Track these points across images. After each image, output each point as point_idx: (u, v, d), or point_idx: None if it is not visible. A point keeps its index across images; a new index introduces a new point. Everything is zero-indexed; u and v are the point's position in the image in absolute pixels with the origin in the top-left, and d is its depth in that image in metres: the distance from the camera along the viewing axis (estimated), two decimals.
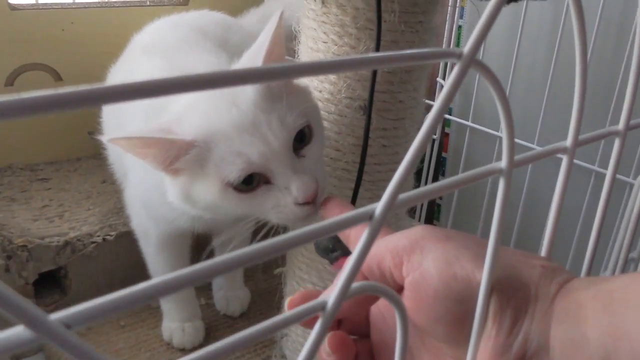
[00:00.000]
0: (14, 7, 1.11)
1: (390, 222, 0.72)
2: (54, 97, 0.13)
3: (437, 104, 0.20)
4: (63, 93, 0.12)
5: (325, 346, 0.36)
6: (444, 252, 0.33)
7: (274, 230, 0.58)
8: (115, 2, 1.27)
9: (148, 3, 1.29)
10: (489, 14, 0.20)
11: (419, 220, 1.34)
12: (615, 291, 0.28)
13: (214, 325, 0.99)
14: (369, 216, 0.22)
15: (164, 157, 0.53)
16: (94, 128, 0.93)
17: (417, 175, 1.33)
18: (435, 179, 1.40)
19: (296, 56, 0.78)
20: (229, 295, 1.00)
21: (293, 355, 0.85)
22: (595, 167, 1.05)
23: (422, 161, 1.30)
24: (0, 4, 1.08)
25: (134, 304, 0.17)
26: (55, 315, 0.16)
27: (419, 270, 0.33)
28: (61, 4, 1.19)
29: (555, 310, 0.30)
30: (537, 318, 0.30)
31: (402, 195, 0.22)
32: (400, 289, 0.35)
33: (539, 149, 0.95)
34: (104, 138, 0.52)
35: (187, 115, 0.55)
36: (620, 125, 0.33)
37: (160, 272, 0.87)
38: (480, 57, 0.21)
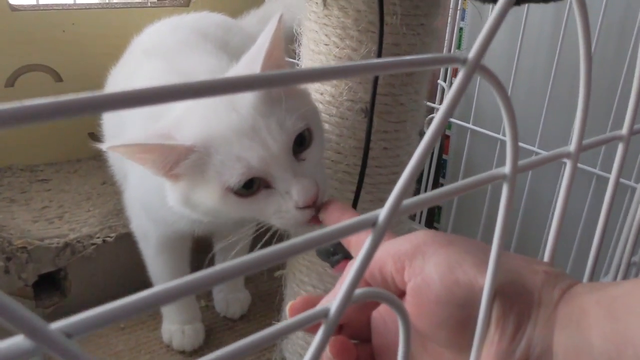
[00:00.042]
0: (14, 8, 1.11)
1: (391, 224, 0.72)
2: (55, 105, 0.12)
3: (441, 110, 0.20)
4: (64, 100, 0.12)
5: (326, 351, 0.36)
6: (446, 257, 0.33)
7: (276, 235, 0.58)
8: (116, 3, 1.27)
9: (149, 4, 1.29)
10: (494, 19, 0.20)
11: (420, 223, 1.34)
12: (619, 297, 0.28)
13: (214, 328, 0.99)
14: (372, 223, 0.22)
15: (163, 162, 0.53)
16: (94, 129, 0.93)
17: (417, 178, 1.33)
18: (435, 182, 1.40)
19: (297, 58, 0.78)
20: (229, 297, 1.00)
21: (293, 358, 0.85)
22: (597, 171, 1.05)
23: None
24: (1, 5, 1.08)
25: (135, 312, 0.17)
26: (56, 325, 0.15)
27: (421, 276, 0.33)
28: (62, 5, 1.19)
29: (558, 316, 0.30)
30: (540, 324, 0.30)
31: (406, 201, 0.22)
32: (402, 293, 0.35)
33: (541, 152, 0.94)
34: (103, 146, 0.52)
35: (186, 120, 0.55)
36: (624, 130, 0.33)
37: (160, 274, 0.87)
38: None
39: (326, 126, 0.69)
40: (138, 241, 0.87)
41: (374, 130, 0.65)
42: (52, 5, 1.18)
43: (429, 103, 1.20)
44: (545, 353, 0.29)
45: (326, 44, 0.67)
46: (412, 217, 1.33)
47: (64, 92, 1.04)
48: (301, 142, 0.55)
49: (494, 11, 0.20)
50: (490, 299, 0.29)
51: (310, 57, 0.70)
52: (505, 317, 0.30)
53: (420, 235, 0.35)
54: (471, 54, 0.20)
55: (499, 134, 1.16)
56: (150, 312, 0.97)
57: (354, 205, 0.65)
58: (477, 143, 1.25)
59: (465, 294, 0.31)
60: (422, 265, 0.33)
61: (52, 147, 1.21)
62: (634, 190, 0.98)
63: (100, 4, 1.27)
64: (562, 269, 0.33)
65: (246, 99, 0.53)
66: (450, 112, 0.20)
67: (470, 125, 1.21)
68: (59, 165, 1.21)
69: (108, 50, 0.96)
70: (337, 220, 0.50)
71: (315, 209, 0.53)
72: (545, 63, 1.15)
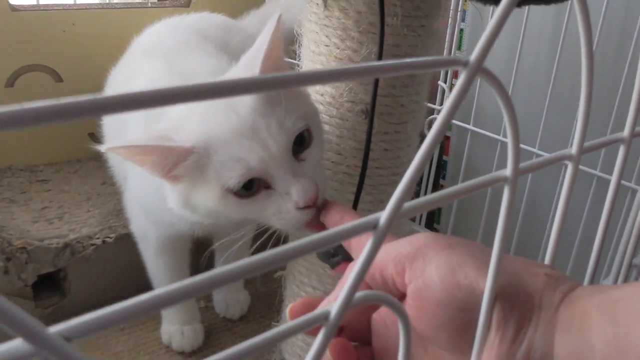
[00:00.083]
0: (14, 8, 1.11)
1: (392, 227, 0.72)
2: (55, 108, 0.12)
3: (443, 113, 0.20)
4: (65, 103, 0.12)
5: (326, 353, 0.36)
6: (447, 259, 0.33)
7: (275, 235, 0.58)
8: (117, 3, 1.27)
9: (149, 5, 1.29)
10: (496, 22, 0.20)
11: (420, 224, 1.34)
12: (621, 300, 0.28)
13: (214, 328, 0.98)
14: (373, 225, 0.21)
15: (162, 164, 0.53)
16: (94, 130, 0.93)
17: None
18: (436, 183, 1.40)
19: (297, 59, 0.78)
20: (229, 298, 1.00)
21: (293, 359, 0.85)
22: (597, 172, 1.04)
23: None
24: (1, 5, 1.08)
25: (134, 315, 0.17)
26: (55, 328, 0.15)
27: (421, 278, 0.33)
28: (62, 5, 1.19)
29: (559, 319, 0.29)
30: (541, 327, 0.30)
31: (407, 204, 0.22)
32: (402, 296, 0.35)
33: (541, 153, 0.93)
34: (102, 147, 0.52)
35: (186, 121, 0.55)
36: (625, 133, 0.33)
37: (159, 275, 0.87)
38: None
39: (326, 127, 0.69)
40: (138, 242, 0.87)
41: (375, 132, 0.65)
42: (52, 5, 1.18)
43: (429, 104, 1.20)
44: (546, 356, 0.29)
45: (327, 45, 0.67)
46: (412, 219, 1.33)
47: (64, 92, 1.05)
48: (301, 143, 0.55)
49: (495, 14, 0.20)
50: (490, 302, 0.28)
51: (310, 58, 0.70)
52: (506, 320, 0.30)
53: (421, 238, 0.35)
54: (473, 57, 0.20)
55: (499, 135, 1.16)
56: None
57: (354, 206, 0.65)
58: (478, 144, 1.25)
59: (466, 296, 0.31)
60: (423, 267, 0.33)
61: (52, 148, 1.21)
62: (634, 192, 0.97)
63: (100, 4, 1.27)
64: (563, 272, 0.33)
65: (245, 100, 0.53)
66: (451, 115, 0.20)
67: (470, 127, 1.21)
68: (58, 165, 1.21)
69: (108, 51, 0.96)
70: (337, 221, 0.50)
71: (315, 210, 0.53)
72: (545, 64, 1.15)
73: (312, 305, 0.38)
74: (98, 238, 0.96)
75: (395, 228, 0.77)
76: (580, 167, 0.28)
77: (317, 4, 0.66)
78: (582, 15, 0.25)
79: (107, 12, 1.22)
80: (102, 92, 0.92)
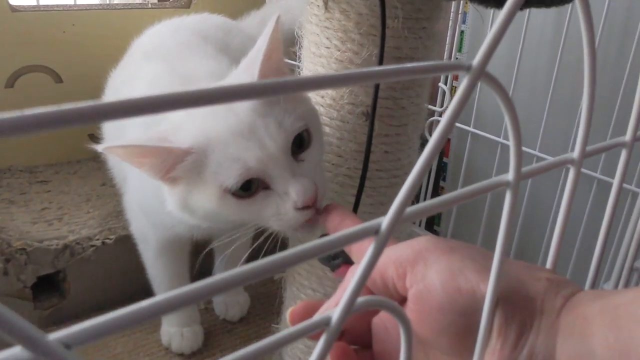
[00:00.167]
0: (14, 9, 1.11)
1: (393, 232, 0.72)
2: (56, 114, 0.12)
3: (445, 118, 0.20)
4: (65, 110, 0.12)
5: (327, 358, 0.36)
6: (448, 264, 0.32)
7: (274, 236, 0.57)
8: (117, 4, 1.27)
9: (149, 5, 1.29)
10: (499, 26, 0.19)
11: (420, 226, 1.34)
12: (622, 306, 0.28)
13: (213, 330, 0.98)
14: (375, 230, 0.21)
15: (160, 165, 0.53)
16: (94, 131, 0.93)
17: None
18: (436, 185, 1.39)
19: (298, 60, 0.78)
20: (228, 300, 1.00)
21: None
22: (598, 175, 1.04)
23: None
24: (1, 5, 1.08)
25: (135, 322, 0.16)
26: (55, 335, 0.15)
27: (422, 282, 0.33)
28: (62, 5, 1.19)
29: (561, 325, 0.29)
30: (543, 332, 0.30)
31: (409, 209, 0.22)
32: (403, 300, 0.34)
33: (542, 156, 0.93)
34: (100, 147, 0.52)
35: (184, 122, 0.55)
36: (627, 137, 0.32)
37: (159, 277, 0.87)
38: None
39: (327, 129, 0.69)
40: (137, 244, 0.87)
41: (375, 134, 0.65)
42: (52, 6, 1.18)
43: (429, 106, 1.19)
44: None
45: (327, 47, 0.67)
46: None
47: (64, 93, 1.05)
48: (300, 144, 0.55)
49: (498, 19, 0.20)
50: (492, 307, 0.28)
51: (311, 60, 0.70)
52: (507, 325, 0.30)
53: (422, 242, 0.35)
54: (475, 61, 0.20)
55: (499, 137, 1.16)
56: None
57: (355, 209, 0.65)
58: (478, 146, 1.25)
59: (467, 301, 0.31)
60: (424, 271, 0.33)
61: (51, 148, 1.20)
62: (635, 194, 0.97)
63: (100, 4, 1.27)
64: (564, 276, 0.33)
65: None
66: (454, 120, 0.20)
67: (471, 129, 1.21)
68: (58, 166, 1.21)
69: (108, 51, 0.96)
70: (337, 225, 0.50)
71: (314, 210, 0.53)
72: (546, 66, 1.15)
73: (312, 309, 0.37)
74: (98, 239, 0.96)
75: (396, 230, 0.77)
76: (581, 170, 0.28)
77: (318, 5, 0.66)
78: (584, 17, 0.25)
79: (107, 13, 1.22)
80: (101, 93, 0.92)
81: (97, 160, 1.17)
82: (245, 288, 1.03)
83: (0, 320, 0.14)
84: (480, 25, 1.23)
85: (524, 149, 1.09)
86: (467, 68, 0.20)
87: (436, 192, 1.41)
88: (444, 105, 1.23)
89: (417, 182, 0.21)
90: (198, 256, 0.78)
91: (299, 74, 0.79)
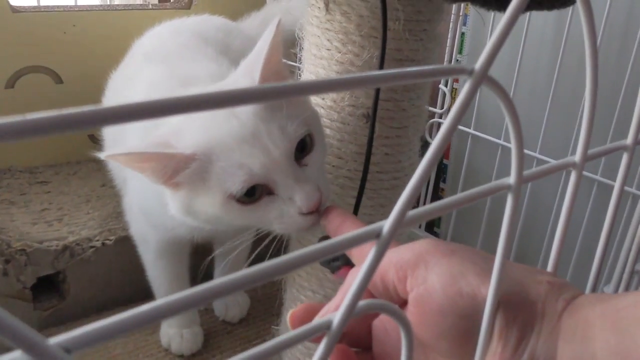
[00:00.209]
0: (15, 10, 1.11)
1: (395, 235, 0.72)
2: (57, 119, 0.12)
3: (447, 122, 0.20)
4: (66, 115, 0.12)
5: None
6: (449, 266, 0.32)
7: (278, 239, 0.57)
8: (117, 5, 1.27)
9: (150, 6, 1.29)
10: (501, 30, 0.19)
11: (420, 227, 1.34)
12: (624, 309, 0.28)
13: (213, 332, 0.98)
14: (376, 234, 0.21)
15: (163, 171, 0.52)
16: (94, 131, 0.93)
17: None
18: (436, 186, 1.39)
19: (298, 62, 0.78)
20: (228, 301, 1.00)
21: None
22: (598, 177, 1.04)
23: None
24: (2, 6, 1.08)
25: (135, 326, 0.16)
26: (55, 339, 0.15)
27: (423, 285, 0.33)
28: (63, 6, 1.19)
29: (562, 328, 0.29)
30: (544, 335, 0.30)
31: (410, 213, 0.22)
32: (404, 303, 0.34)
33: (542, 158, 0.92)
34: (101, 155, 0.52)
35: (186, 127, 0.54)
36: (629, 140, 0.32)
37: (159, 279, 0.87)
38: None
39: (327, 131, 0.69)
40: (137, 246, 0.86)
41: (376, 136, 0.65)
42: (53, 6, 1.18)
43: (430, 108, 1.19)
44: None
45: (328, 49, 0.67)
46: None
47: (64, 94, 1.04)
48: (303, 148, 0.55)
49: (500, 23, 0.20)
50: (493, 310, 0.28)
51: (312, 61, 0.70)
52: (508, 328, 0.30)
53: (423, 244, 0.35)
54: (478, 65, 0.20)
55: (500, 138, 1.16)
56: None
57: (355, 210, 0.65)
58: (478, 148, 1.25)
59: (468, 304, 0.31)
60: (425, 274, 0.33)
61: (51, 149, 1.20)
62: (635, 197, 0.97)
63: (101, 5, 1.27)
64: (565, 280, 0.33)
65: (246, 106, 0.53)
66: (456, 124, 0.20)
67: (471, 131, 1.21)
68: (58, 167, 1.21)
69: (109, 52, 0.96)
70: (338, 227, 0.50)
71: (318, 215, 0.53)
72: (546, 67, 1.15)
73: (313, 311, 0.37)
74: (97, 240, 0.96)
75: (397, 234, 0.77)
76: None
77: (319, 7, 0.66)
78: (586, 19, 0.25)
79: (108, 14, 1.22)
80: (102, 94, 0.92)
81: (97, 161, 1.17)
82: (245, 289, 1.03)
83: (1, 324, 0.14)
84: (481, 27, 1.23)
85: (524, 151, 1.09)
86: (470, 72, 0.20)
87: (436, 193, 1.41)
88: (445, 107, 1.23)
89: (418, 186, 0.21)
90: (199, 260, 0.78)
91: (300, 75, 0.79)
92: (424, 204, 1.31)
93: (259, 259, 0.52)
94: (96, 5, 1.26)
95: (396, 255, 0.35)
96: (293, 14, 0.99)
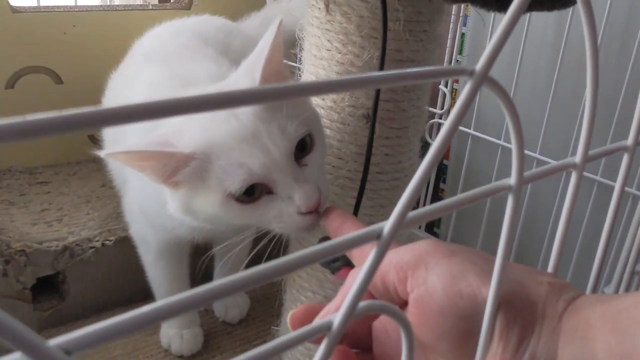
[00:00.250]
0: (15, 10, 1.11)
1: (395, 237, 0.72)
2: (57, 120, 0.12)
3: (448, 122, 0.20)
4: (66, 115, 0.12)
5: None
6: (449, 267, 0.32)
7: (277, 239, 0.57)
8: (117, 5, 1.27)
9: (150, 7, 1.29)
10: (502, 32, 0.19)
11: (420, 228, 1.34)
12: (625, 310, 0.28)
13: (213, 332, 0.98)
14: (377, 235, 0.21)
15: (162, 170, 0.53)
16: (94, 132, 0.93)
17: None
18: (436, 187, 1.39)
19: (298, 62, 0.78)
20: (228, 302, 1.00)
21: None
22: (598, 178, 1.04)
23: None
24: (2, 7, 1.08)
25: (135, 328, 0.16)
26: (55, 341, 0.15)
27: (424, 286, 0.32)
28: (63, 6, 1.19)
29: (562, 329, 0.29)
30: (545, 336, 0.29)
31: (411, 214, 0.22)
32: (404, 303, 0.34)
33: (543, 158, 0.92)
34: (101, 153, 0.52)
35: (186, 126, 0.54)
36: (629, 141, 0.32)
37: (159, 280, 0.87)
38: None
39: (328, 131, 0.69)
40: (137, 246, 0.86)
41: (376, 136, 0.65)
42: (53, 7, 1.18)
43: (430, 108, 1.19)
44: None
45: (328, 50, 0.67)
46: None
47: (64, 94, 1.04)
48: (302, 148, 0.55)
49: (501, 24, 0.20)
50: (493, 311, 0.28)
51: (312, 62, 0.70)
52: (509, 329, 0.30)
53: (423, 245, 0.35)
54: (479, 66, 0.20)
55: (500, 139, 1.16)
56: None
57: (355, 211, 0.65)
58: (478, 148, 1.25)
59: (468, 305, 0.31)
60: (425, 275, 0.33)
61: (51, 150, 1.20)
62: (635, 198, 0.97)
63: (101, 6, 1.27)
64: (565, 280, 0.33)
65: None
66: (456, 125, 0.20)
67: (471, 131, 1.21)
68: (58, 167, 1.21)
69: (109, 53, 0.96)
70: (338, 227, 0.50)
71: (317, 215, 0.53)
72: (547, 67, 1.15)
73: (313, 312, 0.37)
74: (97, 241, 0.96)
75: (397, 235, 0.77)
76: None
77: (319, 8, 0.66)
78: (587, 20, 0.25)
79: (108, 14, 1.22)
80: (102, 94, 0.92)
81: (97, 162, 1.17)
82: (245, 290, 1.03)
83: (1, 326, 0.14)
84: (481, 28, 1.23)
85: (524, 151, 1.09)
86: (471, 73, 0.20)
87: (436, 194, 1.41)
88: (445, 108, 1.23)
89: (419, 187, 0.21)
90: (199, 259, 0.78)
91: (300, 76, 0.79)
92: (424, 204, 1.31)
93: (258, 257, 0.52)
94: (96, 6, 1.26)
95: (396, 256, 0.35)
96: (293, 14, 0.99)
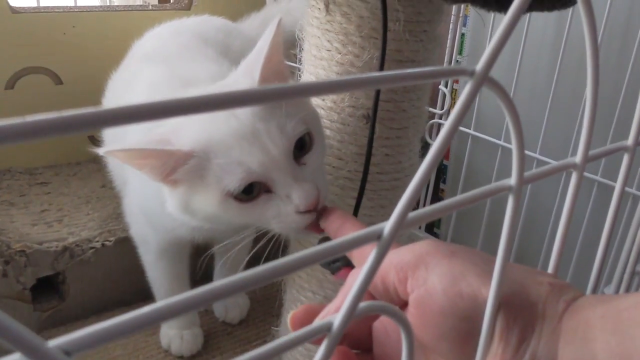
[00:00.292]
0: (15, 10, 1.11)
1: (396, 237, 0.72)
2: (57, 120, 0.12)
3: (448, 123, 0.20)
4: (66, 116, 0.12)
5: None
6: (450, 268, 0.32)
7: (275, 239, 0.57)
8: (117, 6, 1.27)
9: (150, 7, 1.29)
10: (502, 32, 0.19)
11: (420, 228, 1.34)
12: (625, 310, 0.28)
13: (213, 333, 0.98)
14: (377, 236, 0.21)
15: (161, 168, 0.53)
16: (94, 132, 0.93)
17: None
18: (436, 187, 1.39)
19: (298, 63, 0.78)
20: (228, 302, 1.00)
21: None
22: (598, 178, 1.04)
23: None
24: (2, 7, 1.08)
25: (135, 329, 0.16)
26: (54, 342, 0.15)
27: (424, 287, 0.32)
28: (63, 7, 1.19)
29: (563, 329, 0.29)
30: (545, 337, 0.29)
31: (411, 214, 0.22)
32: (404, 304, 0.34)
33: (542, 159, 0.92)
34: (100, 150, 0.52)
35: (185, 125, 0.54)
36: (630, 141, 0.32)
37: (159, 280, 0.87)
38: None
39: (328, 132, 0.69)
40: (137, 247, 0.86)
41: (376, 137, 0.65)
42: (52, 7, 1.18)
43: (430, 109, 1.19)
44: None
45: (328, 50, 0.67)
46: None
47: (64, 94, 1.04)
48: (302, 147, 0.55)
49: (501, 25, 0.20)
50: (494, 311, 0.28)
51: (312, 62, 0.70)
52: (509, 330, 0.30)
53: (423, 246, 0.35)
54: (479, 67, 0.20)
55: (500, 139, 1.16)
56: None
57: (355, 211, 0.65)
58: (478, 148, 1.25)
59: (468, 305, 0.31)
60: (425, 276, 0.33)
61: (51, 150, 1.20)
62: (636, 198, 0.97)
63: (101, 6, 1.27)
64: (566, 281, 0.33)
65: None
66: (456, 125, 0.20)
67: (471, 131, 1.21)
68: (58, 168, 1.21)
69: (108, 53, 0.96)
70: (337, 228, 0.49)
71: (315, 214, 0.53)
72: (547, 68, 1.15)
73: (313, 313, 0.37)
74: (97, 241, 0.96)
75: (398, 235, 0.77)
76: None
77: (319, 8, 0.66)
78: (587, 20, 0.25)
79: (108, 15, 1.22)
80: (102, 95, 0.92)
81: (97, 162, 1.17)
82: (246, 291, 1.03)
83: (1, 327, 0.14)
84: (481, 28, 1.23)
85: (524, 152, 1.09)
86: (471, 73, 0.20)
87: (436, 194, 1.41)
88: (445, 108, 1.23)
89: (419, 187, 0.21)
90: (198, 258, 0.78)
91: (300, 76, 0.79)
92: (424, 204, 1.31)
93: (258, 257, 0.52)
94: (96, 6, 1.26)
95: (396, 256, 0.35)
96: (293, 14, 0.99)
